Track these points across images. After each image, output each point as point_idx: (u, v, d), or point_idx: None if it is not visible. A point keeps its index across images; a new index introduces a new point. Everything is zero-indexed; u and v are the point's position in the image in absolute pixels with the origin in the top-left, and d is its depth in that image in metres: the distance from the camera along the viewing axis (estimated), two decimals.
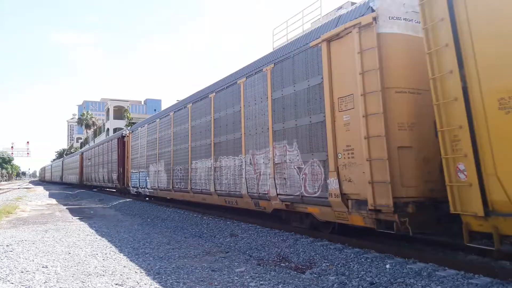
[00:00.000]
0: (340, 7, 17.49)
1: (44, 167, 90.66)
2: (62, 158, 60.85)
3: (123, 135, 21.02)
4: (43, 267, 5.55)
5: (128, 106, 64.14)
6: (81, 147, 72.17)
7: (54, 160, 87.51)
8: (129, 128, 21.54)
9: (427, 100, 5.11)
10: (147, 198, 18.05)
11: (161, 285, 4.63)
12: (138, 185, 17.50)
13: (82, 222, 10.81)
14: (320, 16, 16.78)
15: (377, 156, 5.52)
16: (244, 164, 9.08)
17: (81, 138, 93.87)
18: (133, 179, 18.38)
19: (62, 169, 52.29)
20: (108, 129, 60.87)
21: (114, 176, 22.36)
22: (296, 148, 7.36)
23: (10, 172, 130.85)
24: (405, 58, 5.74)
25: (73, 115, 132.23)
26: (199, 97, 11.83)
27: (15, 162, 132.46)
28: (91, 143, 57.71)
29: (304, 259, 5.86)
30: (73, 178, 41.52)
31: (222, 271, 5.29)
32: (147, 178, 16.07)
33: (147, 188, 16.23)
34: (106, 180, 24.87)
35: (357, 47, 5.89)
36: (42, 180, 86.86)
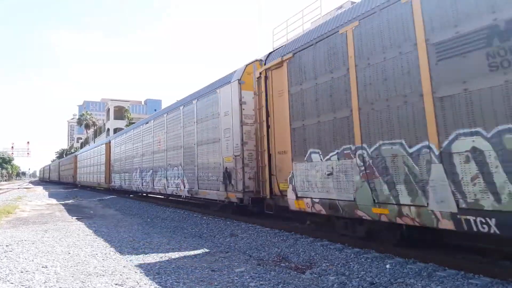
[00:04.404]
0: (341, 7, 17.50)
1: (43, 168, 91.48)
2: (60, 160, 61.41)
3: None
4: (42, 267, 5.54)
5: (128, 106, 64.15)
6: (81, 147, 72.18)
7: (53, 161, 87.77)
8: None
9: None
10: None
11: (160, 285, 4.62)
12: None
13: (81, 222, 10.82)
14: (320, 15, 16.76)
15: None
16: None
17: (81, 138, 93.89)
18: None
19: (59, 170, 53.99)
20: (108, 129, 60.85)
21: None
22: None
23: (10, 172, 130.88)
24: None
25: (73, 115, 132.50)
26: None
27: (15, 162, 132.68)
28: (92, 143, 57.73)
29: (304, 259, 5.86)
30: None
31: (222, 271, 5.28)
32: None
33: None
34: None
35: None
36: (42, 180, 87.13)
